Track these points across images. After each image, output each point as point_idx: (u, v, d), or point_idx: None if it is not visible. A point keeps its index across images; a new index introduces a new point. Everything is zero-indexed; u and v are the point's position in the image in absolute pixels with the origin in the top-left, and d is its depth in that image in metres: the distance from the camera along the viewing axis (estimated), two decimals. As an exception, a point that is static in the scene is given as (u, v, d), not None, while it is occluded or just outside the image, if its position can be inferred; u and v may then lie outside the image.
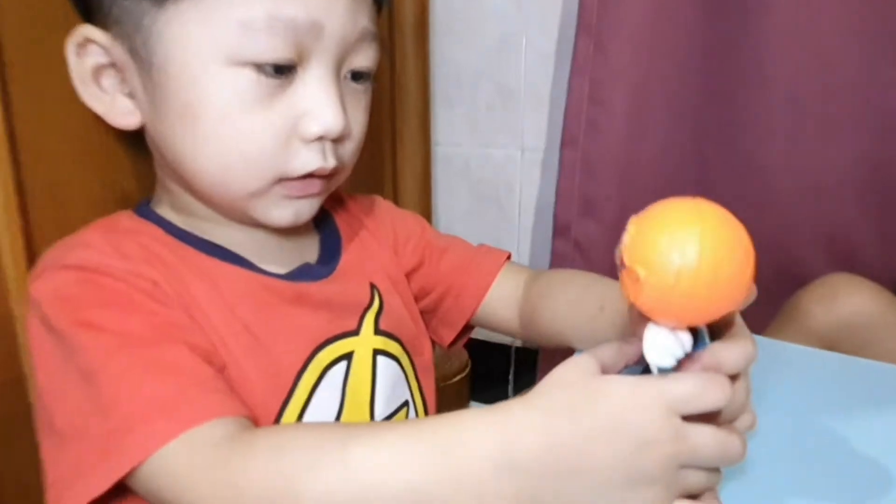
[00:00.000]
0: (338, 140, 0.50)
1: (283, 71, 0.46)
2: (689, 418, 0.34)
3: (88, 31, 0.47)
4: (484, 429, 0.36)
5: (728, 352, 0.36)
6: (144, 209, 0.54)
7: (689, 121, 0.91)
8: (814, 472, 0.42)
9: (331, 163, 0.50)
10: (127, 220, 0.52)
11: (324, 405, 0.52)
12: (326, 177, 0.51)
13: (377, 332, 0.56)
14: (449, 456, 0.35)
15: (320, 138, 0.48)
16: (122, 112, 0.49)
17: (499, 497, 0.35)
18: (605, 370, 0.37)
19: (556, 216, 0.98)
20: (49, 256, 0.47)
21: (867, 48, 0.83)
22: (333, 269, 0.56)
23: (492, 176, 1.11)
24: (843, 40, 0.84)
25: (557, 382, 0.36)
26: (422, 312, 0.66)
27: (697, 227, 0.33)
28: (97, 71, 0.48)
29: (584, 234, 0.96)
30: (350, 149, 0.53)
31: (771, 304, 0.83)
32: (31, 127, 0.51)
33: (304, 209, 0.52)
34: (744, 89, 0.89)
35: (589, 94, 0.92)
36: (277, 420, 0.50)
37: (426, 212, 1.03)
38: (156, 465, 0.39)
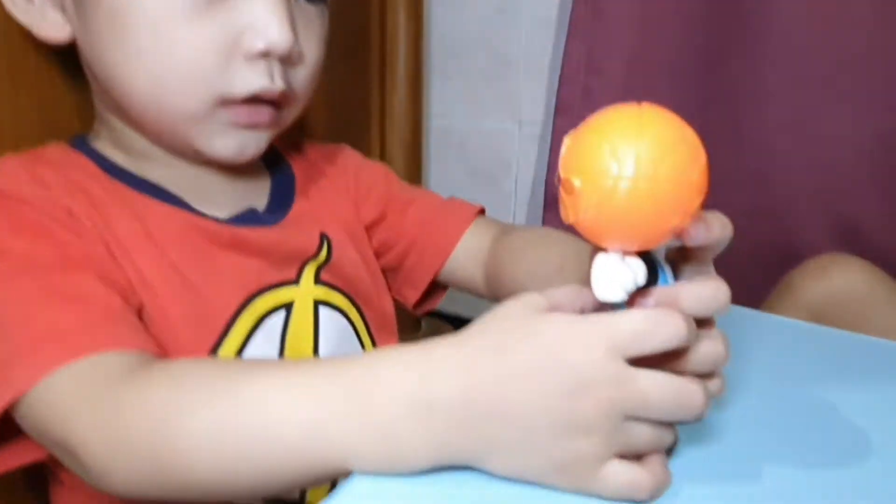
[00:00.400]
0: (287, 62, 0.47)
1: None
2: (648, 365, 0.30)
3: None
4: (402, 367, 0.32)
5: (689, 288, 0.32)
6: (79, 142, 0.51)
7: (690, 90, 0.87)
8: (796, 442, 0.38)
9: (278, 84, 0.46)
10: (55, 151, 0.49)
11: (261, 355, 0.49)
12: (276, 105, 0.48)
13: (318, 282, 0.53)
14: (357, 393, 0.32)
15: (266, 56, 0.45)
16: (50, 25, 0.47)
17: (407, 439, 0.31)
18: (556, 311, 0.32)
19: (547, 189, 0.95)
20: None
21: (881, 18, 0.78)
22: (282, 216, 0.54)
23: (487, 151, 1.08)
24: (856, 9, 0.79)
25: (493, 319, 0.33)
26: (385, 270, 0.63)
27: (633, 126, 0.30)
28: None
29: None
30: (303, 75, 0.49)
31: (770, 280, 0.79)
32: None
33: (250, 142, 0.49)
34: (748, 58, 0.84)
35: (586, 62, 0.89)
36: None
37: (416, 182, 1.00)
38: (40, 394, 0.36)
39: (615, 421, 0.30)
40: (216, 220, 0.50)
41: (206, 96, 0.45)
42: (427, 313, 0.67)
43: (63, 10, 0.47)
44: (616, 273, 0.32)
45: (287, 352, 0.51)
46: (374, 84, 0.92)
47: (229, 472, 0.33)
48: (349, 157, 0.64)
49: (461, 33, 1.04)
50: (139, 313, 0.44)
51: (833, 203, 0.83)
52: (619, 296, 0.32)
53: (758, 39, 0.82)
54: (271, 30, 0.44)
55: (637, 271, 0.32)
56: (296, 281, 0.52)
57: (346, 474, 0.32)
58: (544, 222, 0.96)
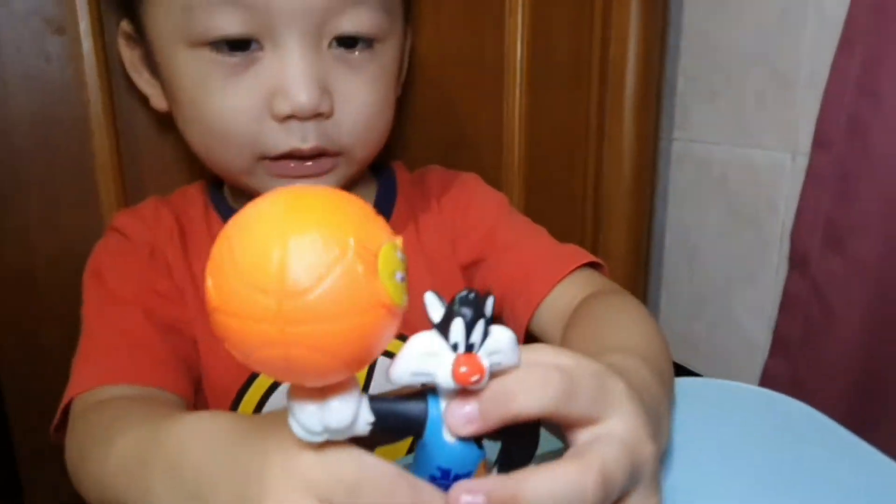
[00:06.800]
0: (323, 118, 0.46)
1: (241, 47, 0.45)
2: None
3: (125, 25, 0.53)
4: (186, 429, 0.31)
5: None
6: (214, 183, 0.58)
7: None
8: None
9: (310, 143, 0.46)
10: (194, 189, 0.58)
11: None
12: (328, 156, 0.48)
13: None
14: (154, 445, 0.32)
15: (294, 118, 0.45)
16: (158, 100, 0.54)
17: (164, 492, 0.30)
18: None
19: (792, 244, 0.73)
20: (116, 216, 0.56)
21: None
22: None
23: (751, 186, 0.88)
24: None
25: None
26: None
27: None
28: (143, 59, 0.53)
29: (827, 273, 0.69)
30: (347, 128, 0.48)
31: None
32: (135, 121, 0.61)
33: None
34: None
35: (856, 79, 0.66)
36: (237, 399, 0.50)
37: (637, 225, 0.86)
38: (73, 407, 0.43)
39: None
40: None
41: (246, 154, 0.48)
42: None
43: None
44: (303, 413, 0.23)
45: None
46: (588, 104, 0.82)
47: None
48: (465, 189, 0.59)
49: (728, 46, 0.87)
50: (189, 345, 0.49)
51: None
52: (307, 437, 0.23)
53: None
54: (294, 93, 0.44)
55: (334, 413, 0.23)
56: None
57: None
58: (786, 288, 0.75)
